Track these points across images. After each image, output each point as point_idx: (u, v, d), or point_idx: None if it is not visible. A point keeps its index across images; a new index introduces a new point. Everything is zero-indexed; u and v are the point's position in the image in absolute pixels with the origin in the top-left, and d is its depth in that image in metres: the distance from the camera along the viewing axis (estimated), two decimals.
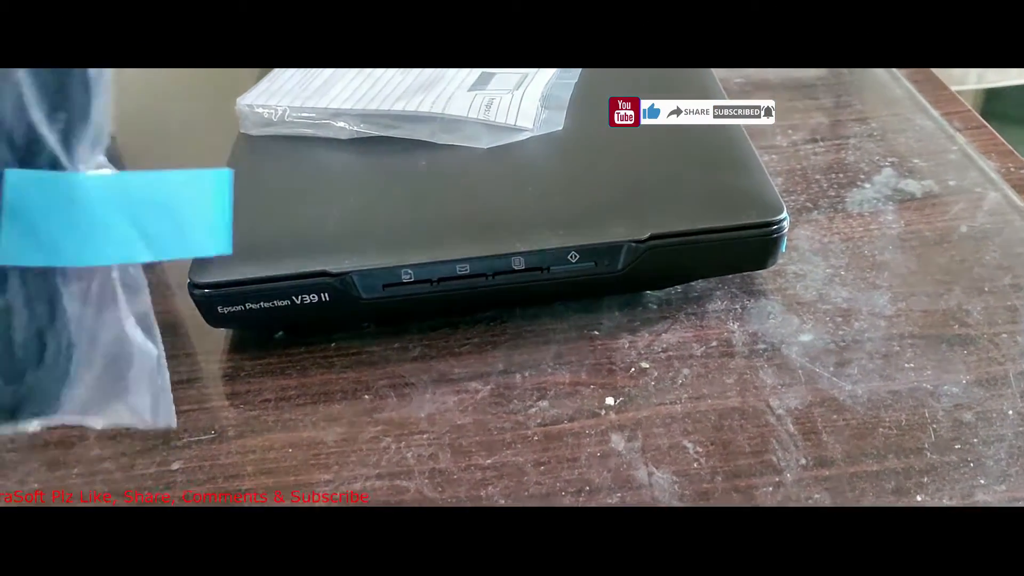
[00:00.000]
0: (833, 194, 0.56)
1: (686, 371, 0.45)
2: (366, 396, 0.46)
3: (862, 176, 0.58)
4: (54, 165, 0.25)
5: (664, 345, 0.47)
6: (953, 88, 0.72)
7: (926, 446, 0.40)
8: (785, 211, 0.47)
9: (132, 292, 0.29)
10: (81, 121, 0.26)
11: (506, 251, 0.46)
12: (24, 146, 0.24)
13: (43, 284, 0.27)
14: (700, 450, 0.41)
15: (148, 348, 0.30)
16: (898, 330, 0.46)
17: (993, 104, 1.75)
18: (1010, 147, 0.60)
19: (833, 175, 0.58)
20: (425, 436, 0.43)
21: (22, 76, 0.24)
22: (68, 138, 0.26)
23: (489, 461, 0.41)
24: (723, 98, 0.58)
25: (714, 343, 0.47)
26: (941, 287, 0.49)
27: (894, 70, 0.69)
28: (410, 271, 0.46)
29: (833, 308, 0.48)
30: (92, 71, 0.26)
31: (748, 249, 0.48)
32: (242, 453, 0.43)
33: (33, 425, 0.30)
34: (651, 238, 0.46)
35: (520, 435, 0.42)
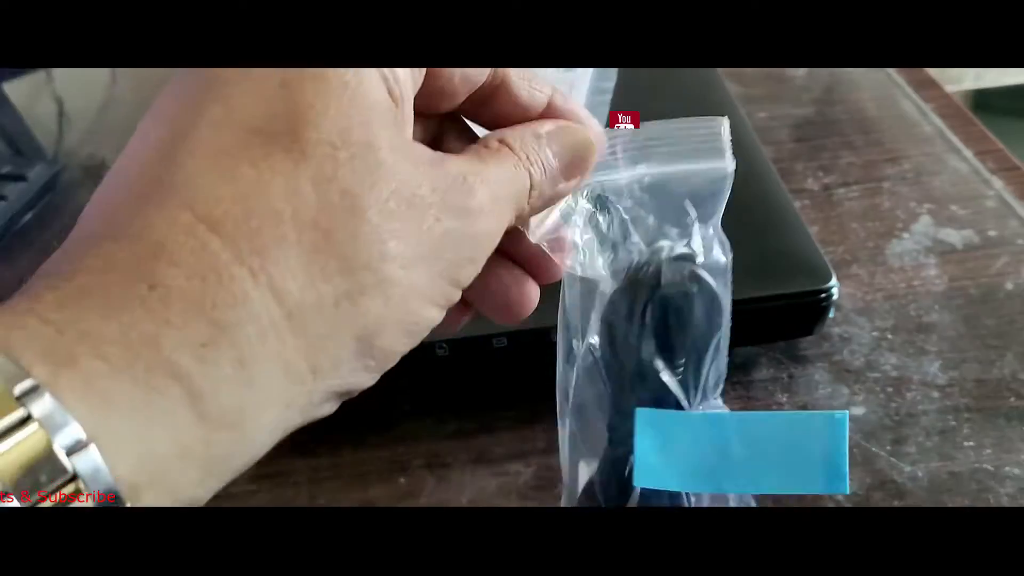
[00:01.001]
0: (872, 245, 0.55)
1: None
2: (402, 479, 0.44)
3: (899, 225, 0.56)
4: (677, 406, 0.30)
5: None
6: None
7: None
8: (834, 277, 0.45)
9: None
10: (699, 369, 0.31)
11: (542, 325, 0.44)
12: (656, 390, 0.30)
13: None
14: None
15: None
16: (952, 402, 0.45)
17: (984, 98, 1.74)
18: None
19: (870, 223, 0.57)
20: None
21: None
22: (687, 382, 0.30)
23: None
24: (755, 143, 0.56)
25: None
26: (992, 352, 0.47)
27: (922, 104, 0.68)
28: (445, 346, 0.44)
29: (883, 377, 0.46)
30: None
31: (796, 317, 0.46)
32: None
33: None
34: None
35: None
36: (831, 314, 0.46)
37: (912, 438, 0.43)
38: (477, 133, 0.28)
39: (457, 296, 0.23)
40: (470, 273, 0.23)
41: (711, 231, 0.31)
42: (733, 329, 0.46)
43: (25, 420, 0.16)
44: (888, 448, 0.43)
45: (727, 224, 0.49)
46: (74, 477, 0.16)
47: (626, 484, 0.30)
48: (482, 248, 0.23)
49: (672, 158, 0.30)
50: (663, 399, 0.30)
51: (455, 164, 0.23)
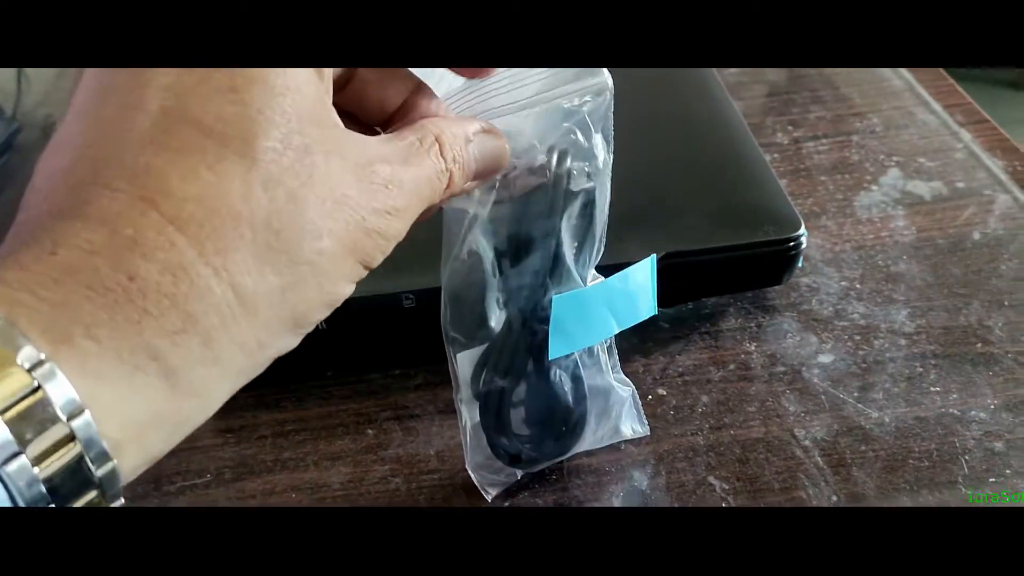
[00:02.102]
0: (840, 197, 0.55)
1: (705, 398, 0.43)
2: (369, 431, 0.43)
3: (868, 177, 0.56)
4: (567, 276, 0.35)
5: (680, 369, 0.45)
6: None
7: (959, 479, 0.39)
8: (803, 226, 0.45)
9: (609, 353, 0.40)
10: (590, 243, 0.36)
11: None
12: (554, 267, 0.35)
13: (574, 367, 0.38)
14: (727, 487, 0.39)
15: (624, 388, 0.40)
16: (919, 349, 0.45)
17: None
18: (1015, 143, 0.58)
19: (839, 176, 0.56)
20: (437, 476, 0.41)
21: (565, 224, 0.34)
22: (578, 259, 0.36)
23: (507, 503, 0.39)
24: (725, 96, 0.56)
25: (731, 366, 0.45)
26: (959, 300, 0.47)
27: None
28: (411, 296, 0.44)
29: (851, 325, 0.46)
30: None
31: (765, 266, 0.46)
32: (241, 498, 0.41)
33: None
34: (666, 256, 0.44)
35: (537, 473, 0.40)
36: (800, 264, 0.46)
37: (879, 385, 0.43)
38: None
39: (364, 274, 0.27)
40: (382, 256, 0.27)
41: (600, 136, 0.34)
42: (703, 279, 0.46)
43: (35, 390, 0.19)
44: (855, 395, 0.43)
45: (697, 176, 0.49)
46: (72, 437, 0.20)
47: (524, 360, 0.37)
48: (395, 238, 0.27)
49: (552, 82, 0.33)
50: (560, 283, 0.36)
51: (382, 168, 0.26)
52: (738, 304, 0.48)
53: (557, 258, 0.35)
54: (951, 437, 0.41)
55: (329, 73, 0.25)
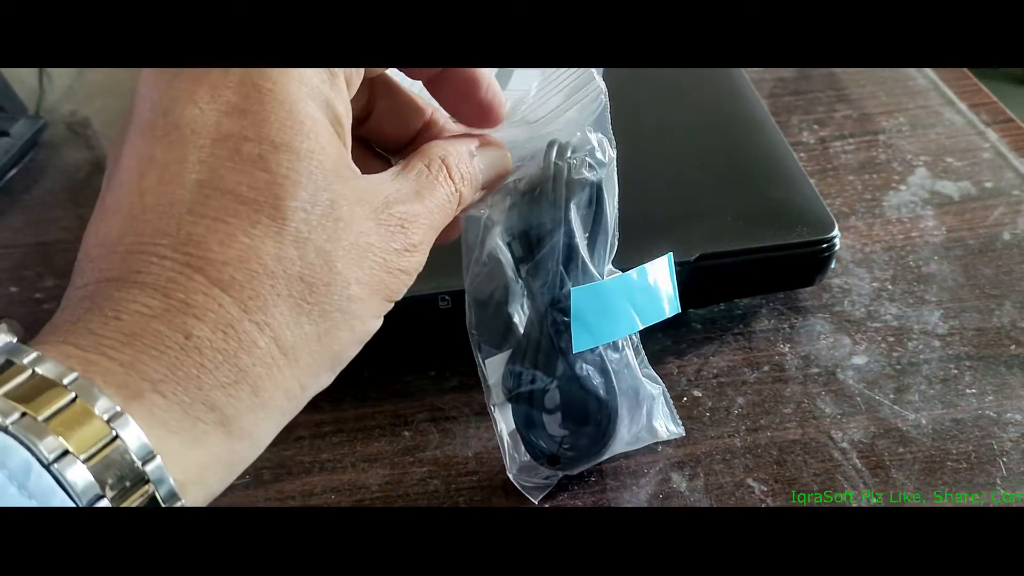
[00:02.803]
0: (869, 197, 0.55)
1: (740, 400, 0.43)
2: (406, 432, 0.43)
3: (896, 177, 0.56)
4: (584, 269, 0.36)
5: (714, 371, 0.45)
6: None
7: (998, 482, 0.39)
8: (836, 227, 0.45)
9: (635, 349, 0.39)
10: (602, 235, 0.37)
11: None
12: (568, 258, 0.36)
13: (600, 362, 0.38)
14: (765, 489, 0.39)
15: (654, 386, 0.40)
16: (954, 351, 0.45)
17: None
18: None
19: (867, 176, 0.56)
20: (475, 477, 0.41)
21: (573, 215, 0.35)
22: (592, 252, 0.37)
23: (546, 505, 0.39)
24: (755, 95, 0.56)
25: (766, 367, 0.45)
26: (992, 302, 0.47)
27: None
28: (447, 298, 0.44)
29: (884, 327, 0.46)
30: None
31: (798, 267, 0.46)
32: (281, 499, 0.41)
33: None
34: (700, 258, 0.44)
35: (576, 476, 0.40)
36: (832, 265, 0.46)
37: (915, 386, 0.43)
38: None
39: (390, 307, 0.29)
40: (406, 288, 0.29)
41: (599, 135, 0.36)
42: (736, 280, 0.46)
43: (114, 439, 0.21)
44: (891, 397, 0.43)
45: (729, 177, 0.49)
46: (147, 480, 0.22)
47: (552, 357, 0.37)
48: (416, 270, 0.29)
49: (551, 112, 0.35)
50: (577, 275, 0.36)
51: (398, 209, 0.28)
52: (770, 305, 0.48)
53: (570, 248, 0.36)
54: (988, 439, 0.41)
55: (348, 123, 0.28)
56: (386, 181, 0.28)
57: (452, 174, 0.30)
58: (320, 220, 0.25)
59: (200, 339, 0.23)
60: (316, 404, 0.44)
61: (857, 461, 0.40)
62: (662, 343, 0.47)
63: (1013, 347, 0.45)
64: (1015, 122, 0.60)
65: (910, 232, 0.52)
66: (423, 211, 0.29)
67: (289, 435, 0.43)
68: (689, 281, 0.45)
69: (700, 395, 0.44)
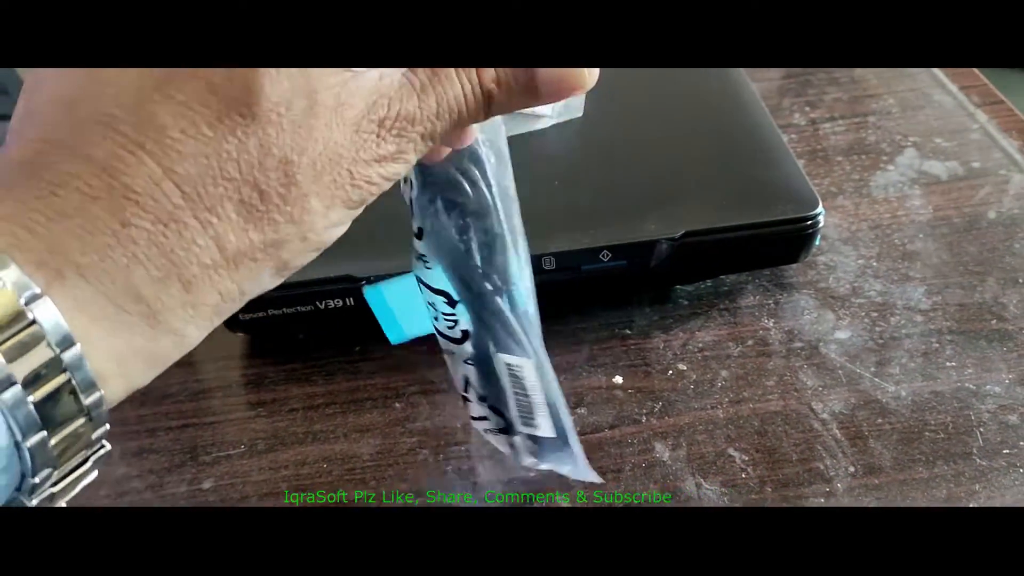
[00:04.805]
0: (857, 177, 0.55)
1: (724, 373, 0.44)
2: (397, 404, 0.44)
3: (885, 157, 0.57)
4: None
5: (700, 344, 0.46)
6: None
7: (974, 451, 0.40)
8: (820, 205, 0.46)
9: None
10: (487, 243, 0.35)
11: (536, 252, 0.44)
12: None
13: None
14: (746, 458, 0.40)
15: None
16: (935, 326, 0.46)
17: None
18: None
19: (856, 156, 0.57)
20: (463, 448, 0.42)
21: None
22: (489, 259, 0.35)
23: (532, 475, 0.40)
24: (743, 77, 0.56)
25: (750, 342, 0.46)
26: (975, 278, 0.48)
27: None
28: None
29: (868, 302, 0.47)
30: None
31: (783, 244, 0.47)
32: (274, 469, 0.42)
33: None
34: (685, 235, 0.45)
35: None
36: (817, 242, 0.47)
37: (896, 360, 0.44)
38: None
39: (358, 212, 0.27)
40: (374, 196, 0.27)
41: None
42: (722, 256, 0.47)
43: (31, 323, 0.21)
44: (872, 370, 0.44)
45: (715, 156, 0.50)
46: (63, 368, 0.21)
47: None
48: (389, 178, 0.27)
49: None
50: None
51: (383, 112, 0.25)
52: (756, 282, 0.49)
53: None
54: (966, 411, 0.41)
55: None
56: (388, 76, 0.26)
57: (479, 73, 0.27)
58: (291, 126, 0.24)
59: (137, 228, 0.22)
60: (309, 377, 0.46)
61: (836, 432, 0.41)
62: (649, 318, 0.48)
63: (994, 322, 0.45)
64: (1005, 104, 0.61)
65: (896, 211, 0.53)
66: (418, 114, 0.26)
67: (283, 407, 0.45)
68: (675, 258, 0.45)
69: (685, 368, 0.45)
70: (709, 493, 0.39)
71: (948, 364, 0.44)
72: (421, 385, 0.45)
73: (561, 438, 0.38)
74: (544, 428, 0.37)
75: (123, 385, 0.23)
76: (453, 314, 0.36)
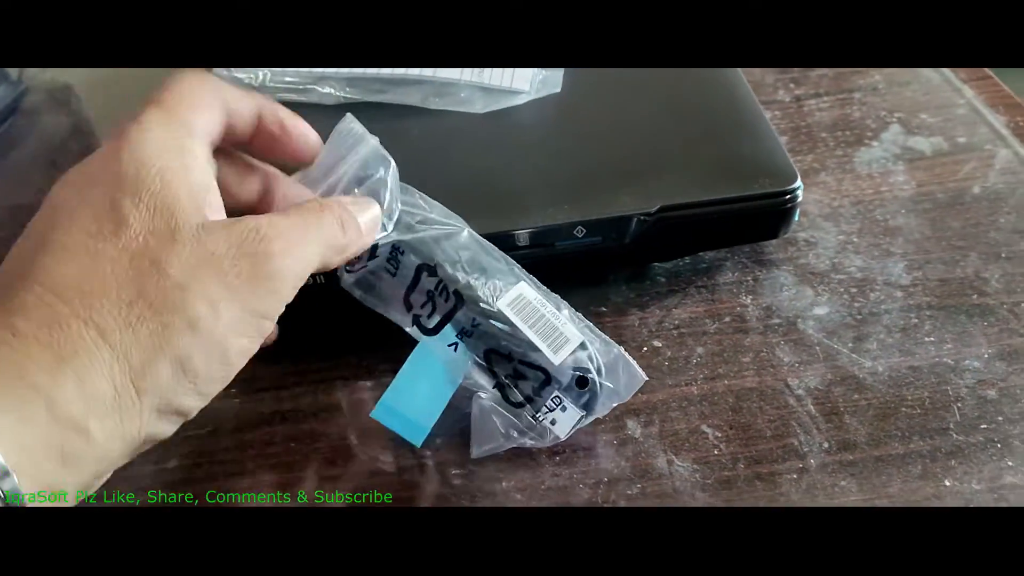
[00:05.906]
0: (840, 153, 0.55)
1: (700, 349, 0.44)
2: (368, 383, 0.44)
3: (869, 133, 0.56)
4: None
5: (676, 321, 0.45)
6: None
7: (951, 426, 0.39)
8: (799, 179, 0.45)
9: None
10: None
11: (509, 228, 0.44)
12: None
13: None
14: (719, 435, 0.40)
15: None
16: (915, 301, 0.45)
17: None
18: (1018, 99, 0.58)
19: (839, 132, 0.56)
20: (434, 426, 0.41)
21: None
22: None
23: (502, 453, 0.40)
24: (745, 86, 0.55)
25: (727, 318, 0.45)
26: (957, 253, 0.47)
27: None
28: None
29: (847, 278, 0.46)
30: None
31: (761, 219, 0.46)
32: (240, 448, 0.41)
33: None
34: (660, 210, 0.44)
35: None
36: (796, 217, 0.46)
37: (874, 335, 0.43)
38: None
39: (269, 327, 0.31)
40: (275, 306, 0.30)
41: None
42: (699, 232, 0.46)
43: None
44: (850, 346, 0.43)
45: (693, 130, 0.49)
46: None
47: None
48: (285, 284, 0.30)
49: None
50: None
51: (251, 220, 0.30)
52: (735, 258, 0.48)
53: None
54: (944, 386, 0.41)
55: (206, 154, 0.31)
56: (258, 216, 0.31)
57: (337, 208, 0.33)
58: (156, 235, 0.28)
59: (26, 334, 0.26)
60: (278, 357, 0.45)
61: (812, 407, 0.40)
62: (625, 295, 0.47)
63: (975, 296, 0.45)
64: (992, 79, 0.60)
65: (879, 187, 0.52)
66: (288, 225, 0.30)
67: (251, 386, 0.44)
68: (651, 234, 0.45)
69: (660, 345, 0.44)
70: (681, 470, 0.38)
71: (927, 339, 0.43)
72: (393, 365, 0.44)
73: (598, 337, 0.39)
74: (573, 336, 0.38)
75: (30, 483, 0.25)
76: (440, 281, 0.39)
